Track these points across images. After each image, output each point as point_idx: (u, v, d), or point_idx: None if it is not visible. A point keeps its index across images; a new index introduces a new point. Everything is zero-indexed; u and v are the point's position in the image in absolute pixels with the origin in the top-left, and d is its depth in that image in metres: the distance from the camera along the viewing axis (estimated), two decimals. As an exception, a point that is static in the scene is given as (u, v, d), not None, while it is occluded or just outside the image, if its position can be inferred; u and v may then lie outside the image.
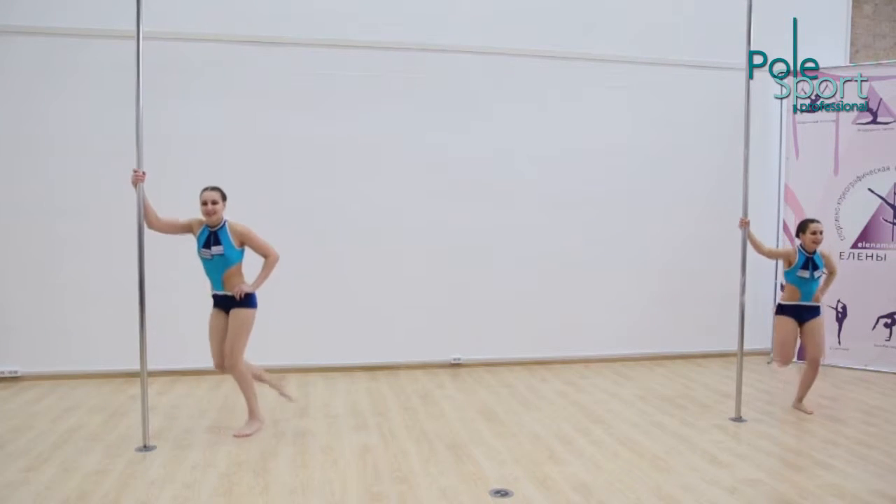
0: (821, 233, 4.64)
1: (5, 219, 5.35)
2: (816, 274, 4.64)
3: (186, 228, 4.15)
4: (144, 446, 3.89)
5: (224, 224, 4.11)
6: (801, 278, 4.64)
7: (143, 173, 3.89)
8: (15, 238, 5.35)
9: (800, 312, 4.70)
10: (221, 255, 4.07)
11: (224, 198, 4.13)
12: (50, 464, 3.65)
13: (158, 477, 3.49)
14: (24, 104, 5.33)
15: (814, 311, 4.70)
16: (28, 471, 3.55)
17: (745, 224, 4.58)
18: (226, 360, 4.14)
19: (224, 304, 4.17)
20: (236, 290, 4.10)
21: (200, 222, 4.12)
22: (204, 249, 4.08)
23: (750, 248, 4.64)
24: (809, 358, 4.74)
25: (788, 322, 4.71)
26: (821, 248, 4.68)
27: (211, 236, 4.07)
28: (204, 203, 4.04)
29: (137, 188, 3.89)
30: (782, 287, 5.11)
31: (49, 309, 5.40)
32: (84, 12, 5.34)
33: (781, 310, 4.78)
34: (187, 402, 4.85)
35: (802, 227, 4.71)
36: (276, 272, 5.61)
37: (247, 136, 5.62)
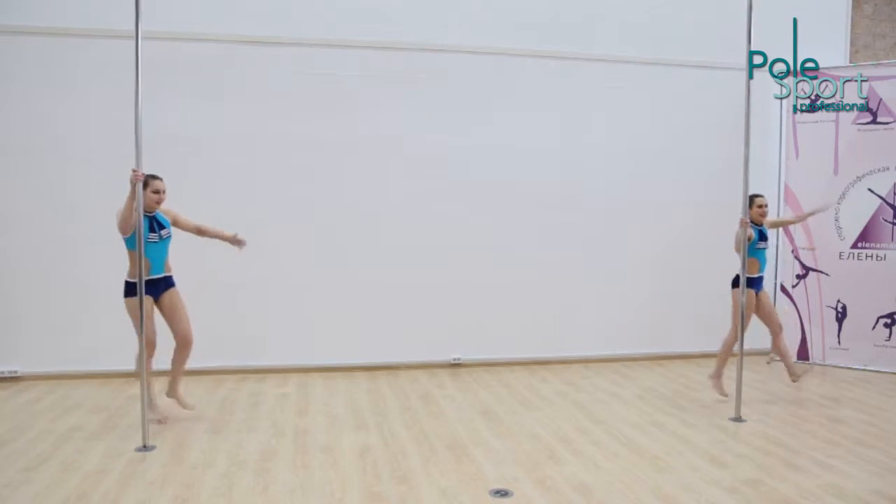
0: (766, 206, 4.94)
1: (5, 218, 5.35)
2: (767, 244, 5.01)
3: (134, 225, 4.06)
4: (144, 446, 3.89)
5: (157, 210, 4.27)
6: (759, 250, 4.92)
7: (143, 173, 3.90)
8: (15, 238, 5.35)
9: (757, 284, 4.97)
10: (170, 235, 4.28)
11: None
12: (50, 464, 3.65)
13: (158, 477, 3.49)
14: (25, 104, 5.32)
15: (760, 281, 5.04)
16: (28, 471, 3.55)
17: (744, 224, 4.59)
18: (190, 336, 4.35)
19: (157, 287, 4.28)
20: (241, 241, 4.44)
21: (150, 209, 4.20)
22: (152, 234, 4.18)
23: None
24: (774, 325, 5.02)
25: (751, 295, 4.89)
26: (765, 219, 4.99)
27: (153, 222, 4.19)
28: (157, 191, 4.16)
29: (136, 188, 3.89)
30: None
31: (49, 309, 5.40)
32: (84, 12, 5.34)
33: (744, 283, 4.68)
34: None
35: (749, 202, 4.78)
36: (276, 271, 5.62)
37: (247, 135, 5.62)
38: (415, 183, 5.88)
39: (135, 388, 4.73)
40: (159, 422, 4.28)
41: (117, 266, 5.02)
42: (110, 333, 5.27)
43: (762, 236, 4.93)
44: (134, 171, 3.89)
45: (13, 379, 5.36)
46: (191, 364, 5.36)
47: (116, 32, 5.18)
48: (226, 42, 5.56)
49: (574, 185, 6.15)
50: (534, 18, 6.05)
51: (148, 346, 4.16)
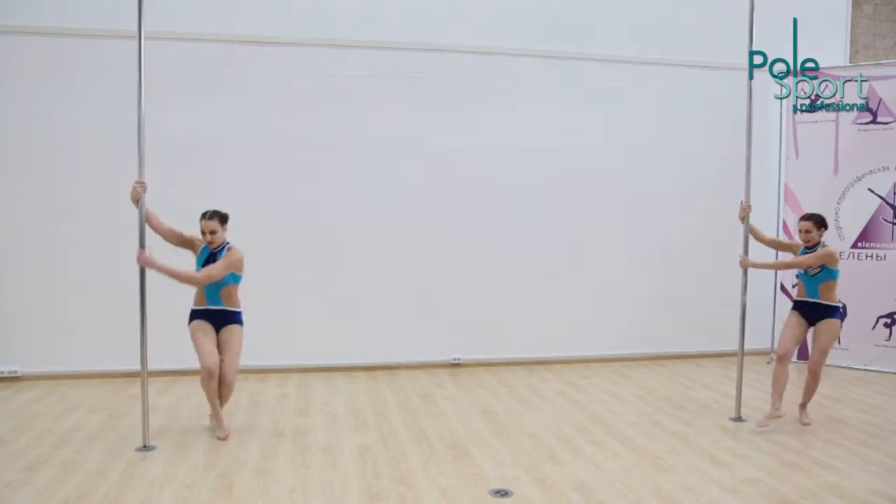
0: (806, 231, 4.42)
1: (5, 218, 5.35)
2: (812, 271, 4.42)
3: (188, 243, 4.17)
4: (144, 446, 3.90)
5: (224, 247, 4.15)
6: (802, 274, 4.52)
7: (144, 184, 3.87)
8: (15, 237, 5.35)
9: (806, 310, 4.47)
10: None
11: (224, 220, 4.15)
12: (50, 464, 3.65)
13: (158, 477, 3.49)
14: (25, 104, 5.32)
15: (822, 312, 4.42)
16: (28, 471, 3.55)
17: (746, 209, 4.51)
18: (230, 376, 4.17)
19: (213, 318, 4.20)
20: (142, 259, 3.88)
21: (202, 241, 4.15)
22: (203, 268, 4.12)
23: (754, 242, 4.61)
24: (808, 364, 4.57)
25: (793, 316, 4.53)
26: (823, 247, 4.42)
27: (210, 257, 4.12)
28: (203, 233, 4.08)
29: (139, 199, 3.88)
30: (793, 285, 5.02)
31: (49, 309, 5.40)
32: (84, 12, 5.34)
33: (793, 305, 4.65)
34: (187, 402, 4.86)
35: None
36: (276, 270, 5.62)
37: (247, 136, 5.62)
38: (414, 182, 5.88)
39: (135, 388, 4.74)
40: None
41: (116, 266, 5.05)
42: (110, 333, 5.29)
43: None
44: (140, 182, 3.86)
45: (13, 379, 5.36)
46: (191, 364, 5.37)
47: (116, 32, 5.18)
48: (225, 42, 5.56)
49: (574, 185, 6.15)
50: (534, 18, 6.05)
51: (206, 371, 4.05)
